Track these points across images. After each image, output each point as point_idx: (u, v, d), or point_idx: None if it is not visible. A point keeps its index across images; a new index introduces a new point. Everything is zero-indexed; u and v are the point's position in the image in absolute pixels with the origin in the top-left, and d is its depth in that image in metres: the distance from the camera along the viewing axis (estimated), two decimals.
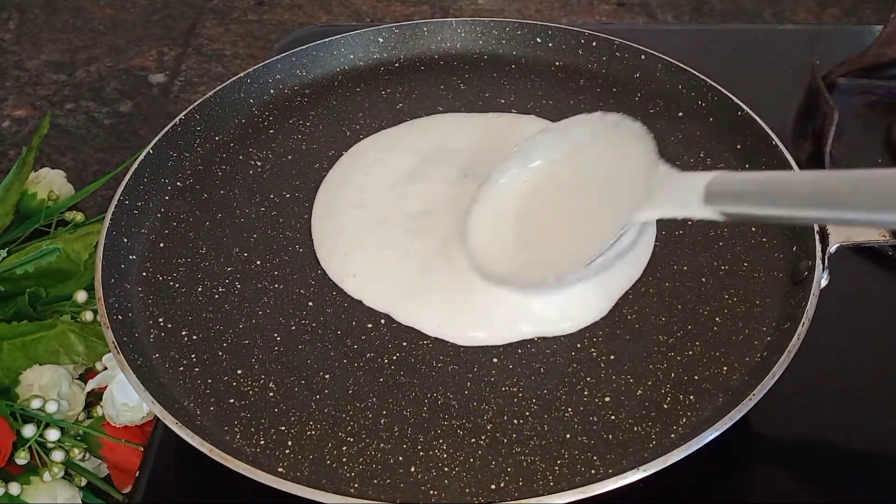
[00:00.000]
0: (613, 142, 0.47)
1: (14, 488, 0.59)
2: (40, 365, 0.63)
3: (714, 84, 0.58)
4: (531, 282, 0.46)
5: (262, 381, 0.46)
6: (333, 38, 0.65)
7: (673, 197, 0.41)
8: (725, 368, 0.45)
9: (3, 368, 0.63)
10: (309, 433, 0.43)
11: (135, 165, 0.55)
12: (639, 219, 0.43)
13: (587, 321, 0.48)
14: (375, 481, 0.41)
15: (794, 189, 0.38)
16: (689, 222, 0.52)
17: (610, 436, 0.43)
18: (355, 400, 0.45)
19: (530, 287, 0.47)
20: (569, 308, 0.48)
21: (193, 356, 0.47)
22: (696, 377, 0.45)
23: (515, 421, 0.44)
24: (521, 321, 0.47)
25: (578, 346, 0.47)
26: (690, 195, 0.40)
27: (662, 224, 0.52)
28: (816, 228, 0.48)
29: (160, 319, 0.49)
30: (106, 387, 0.60)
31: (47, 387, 0.62)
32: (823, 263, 0.47)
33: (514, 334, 0.47)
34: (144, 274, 0.51)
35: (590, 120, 0.48)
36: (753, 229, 0.52)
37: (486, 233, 0.49)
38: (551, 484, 0.41)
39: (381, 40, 0.67)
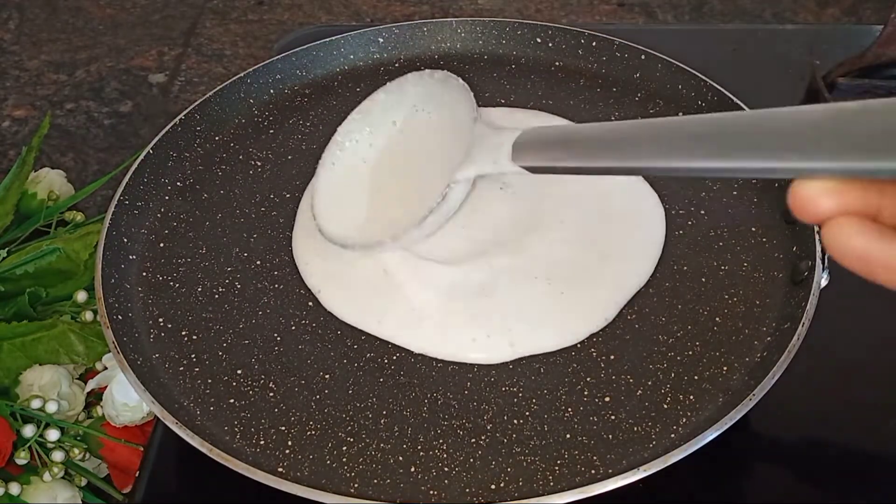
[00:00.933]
0: (444, 101, 0.49)
1: (14, 488, 0.59)
2: (40, 365, 0.63)
3: (714, 84, 0.58)
4: (371, 243, 0.48)
5: (262, 381, 0.46)
6: (333, 38, 0.65)
7: (486, 155, 0.44)
8: (725, 368, 0.45)
9: (3, 368, 0.63)
10: (309, 433, 0.43)
11: (135, 165, 0.55)
12: (459, 177, 0.45)
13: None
14: (375, 481, 0.41)
15: (595, 137, 0.38)
16: (690, 222, 0.52)
17: (610, 436, 0.43)
18: (355, 400, 0.45)
19: (371, 248, 0.49)
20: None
21: (193, 356, 0.47)
22: (696, 377, 0.45)
23: (515, 421, 0.44)
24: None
25: (578, 346, 0.47)
26: (501, 152, 0.43)
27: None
28: (817, 228, 0.48)
29: (160, 319, 0.49)
30: (106, 387, 0.60)
31: (47, 387, 0.62)
32: (823, 263, 0.47)
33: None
34: (144, 274, 0.51)
35: (421, 80, 0.51)
36: (753, 229, 0.52)
37: (334, 197, 0.51)
38: (551, 484, 0.41)
39: (381, 40, 0.67)
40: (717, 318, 0.47)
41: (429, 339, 0.47)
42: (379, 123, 0.52)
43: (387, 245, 0.48)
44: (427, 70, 0.51)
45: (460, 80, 0.49)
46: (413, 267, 0.49)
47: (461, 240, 0.50)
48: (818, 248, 0.47)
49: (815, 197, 0.27)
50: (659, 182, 0.54)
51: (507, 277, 0.48)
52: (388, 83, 0.53)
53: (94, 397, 0.64)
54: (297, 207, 0.55)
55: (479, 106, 0.61)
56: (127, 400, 0.59)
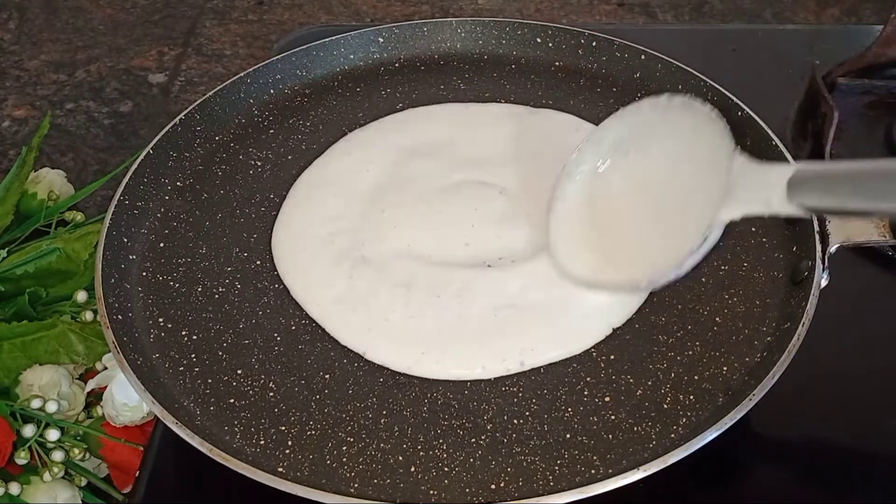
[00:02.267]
0: (685, 128, 0.45)
1: (14, 488, 0.59)
2: (40, 365, 0.63)
3: (714, 84, 0.58)
4: (622, 285, 0.45)
5: (262, 381, 0.46)
6: (333, 38, 0.65)
7: (756, 193, 0.40)
8: (725, 368, 0.45)
9: (3, 368, 0.63)
10: (309, 433, 0.43)
11: (135, 165, 0.55)
12: (723, 218, 0.42)
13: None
14: (375, 481, 0.41)
15: (884, 177, 0.36)
16: None
17: (610, 436, 0.43)
18: (355, 400, 0.45)
19: (621, 290, 0.46)
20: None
21: (193, 356, 0.47)
22: (696, 377, 0.45)
23: (515, 421, 0.44)
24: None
25: None
26: (773, 191, 0.39)
27: None
28: (817, 228, 0.48)
29: (160, 319, 0.49)
30: (106, 387, 0.60)
31: (47, 387, 0.62)
32: (823, 263, 0.47)
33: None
34: (144, 274, 0.51)
35: (658, 104, 0.47)
36: (753, 229, 0.52)
37: (567, 233, 0.48)
38: (551, 484, 0.41)
39: (381, 40, 0.67)
40: (717, 318, 0.47)
41: (445, 370, 0.46)
42: (610, 153, 0.49)
43: (641, 287, 0.45)
44: (665, 95, 0.48)
45: (708, 105, 0.45)
46: (424, 292, 0.48)
47: (467, 261, 0.50)
48: (818, 248, 0.47)
49: None
50: None
51: (519, 296, 0.48)
52: (619, 109, 0.50)
53: (94, 397, 0.64)
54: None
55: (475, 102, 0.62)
56: (127, 400, 0.59)
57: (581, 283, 0.47)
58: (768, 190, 0.39)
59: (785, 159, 0.52)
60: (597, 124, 0.59)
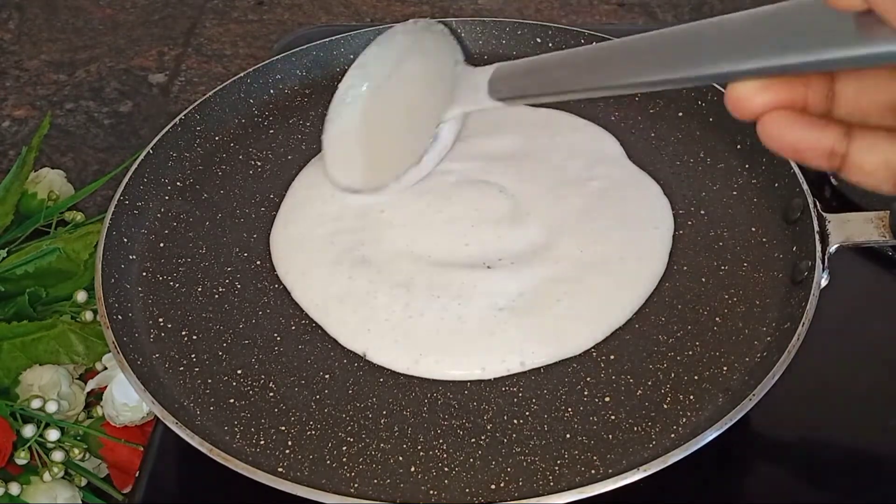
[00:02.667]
0: (429, 48, 0.52)
1: (14, 488, 0.59)
2: (40, 365, 0.63)
3: (714, 84, 0.58)
4: (377, 186, 0.51)
5: (262, 381, 0.46)
6: (333, 38, 0.65)
7: (467, 94, 0.47)
8: (725, 368, 0.45)
9: (3, 368, 0.63)
10: (309, 433, 0.43)
11: (135, 165, 0.55)
12: (445, 117, 0.48)
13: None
14: (375, 481, 0.41)
15: (558, 64, 0.41)
16: (690, 222, 0.52)
17: (610, 436, 0.43)
18: (355, 400, 0.45)
19: (378, 190, 0.52)
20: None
21: (193, 356, 0.47)
22: (696, 377, 0.45)
23: (515, 421, 0.44)
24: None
25: None
26: (480, 90, 0.45)
27: None
28: (817, 228, 0.48)
29: (160, 319, 0.49)
30: (106, 387, 0.60)
31: (47, 387, 0.61)
32: (823, 263, 0.47)
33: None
34: (144, 274, 0.51)
35: (407, 28, 0.54)
36: (753, 229, 0.52)
37: (340, 151, 0.54)
38: (551, 484, 0.41)
39: None
40: (717, 318, 0.47)
41: (446, 370, 0.46)
42: (374, 76, 0.55)
43: (391, 186, 0.51)
44: (412, 19, 0.54)
45: (442, 25, 0.52)
46: (426, 291, 0.48)
47: (467, 261, 0.50)
48: (818, 248, 0.47)
49: (748, 96, 0.30)
50: (660, 181, 0.55)
51: (518, 297, 0.48)
52: (378, 36, 0.56)
53: (94, 397, 0.64)
54: None
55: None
56: (127, 400, 0.59)
57: (351, 192, 0.53)
58: (476, 89, 0.45)
59: (785, 159, 0.52)
60: (598, 124, 0.59)
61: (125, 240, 0.52)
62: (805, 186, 0.50)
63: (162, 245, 0.53)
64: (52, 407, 0.61)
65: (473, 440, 0.43)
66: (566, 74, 0.40)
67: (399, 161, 0.51)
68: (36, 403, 0.60)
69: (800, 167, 0.53)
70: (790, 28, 0.29)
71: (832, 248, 0.47)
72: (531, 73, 0.43)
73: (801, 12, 0.28)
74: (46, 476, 0.60)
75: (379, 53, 0.55)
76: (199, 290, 0.50)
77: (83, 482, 0.63)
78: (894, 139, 0.29)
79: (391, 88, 0.54)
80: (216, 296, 0.50)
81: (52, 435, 0.60)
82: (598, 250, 0.50)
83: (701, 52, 0.32)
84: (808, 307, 0.45)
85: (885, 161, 0.29)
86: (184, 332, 0.48)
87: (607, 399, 0.44)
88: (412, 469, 0.42)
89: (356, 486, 0.41)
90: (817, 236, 0.48)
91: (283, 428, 0.44)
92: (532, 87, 0.43)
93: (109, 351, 0.46)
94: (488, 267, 0.49)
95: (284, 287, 0.50)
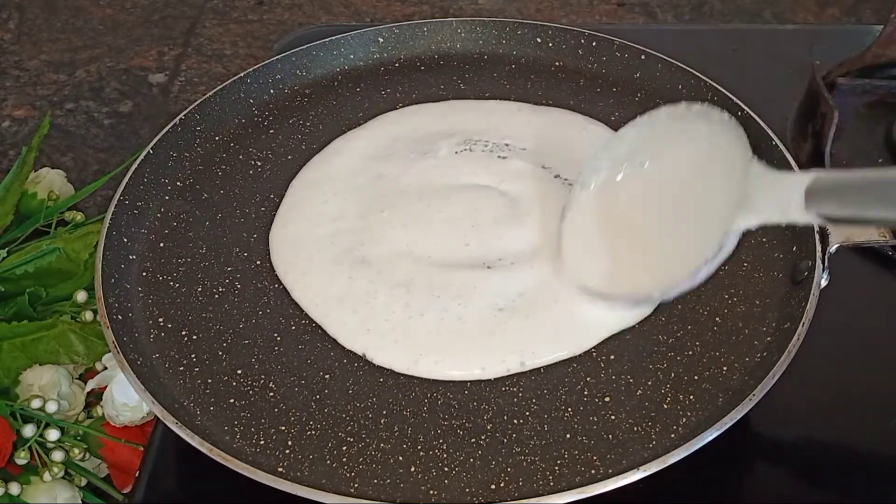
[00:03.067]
0: (701, 136, 0.45)
1: (14, 488, 0.59)
2: (40, 365, 0.63)
3: (714, 84, 0.58)
4: (635, 297, 0.45)
5: (262, 381, 0.46)
6: (333, 38, 0.65)
7: (773, 201, 0.40)
8: (725, 368, 0.45)
9: (3, 368, 0.63)
10: (309, 433, 0.43)
11: (135, 165, 0.55)
12: (739, 227, 0.41)
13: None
14: (375, 481, 0.41)
15: None
16: None
17: (610, 436, 0.43)
18: (355, 400, 0.45)
19: (634, 302, 0.46)
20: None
21: (193, 356, 0.47)
22: (696, 377, 0.45)
23: (515, 421, 0.44)
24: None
25: None
26: (790, 199, 0.38)
27: None
28: (816, 228, 0.48)
29: (160, 319, 0.49)
30: (106, 387, 0.60)
31: (47, 387, 0.61)
32: (823, 263, 0.47)
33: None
34: (144, 274, 0.51)
35: (676, 113, 0.47)
36: (753, 229, 0.51)
37: (580, 242, 0.47)
38: (551, 484, 0.41)
39: (381, 40, 0.67)
40: (717, 318, 0.47)
41: (446, 370, 0.46)
42: (625, 161, 0.48)
43: (655, 298, 0.45)
44: (683, 103, 0.47)
45: (726, 113, 0.44)
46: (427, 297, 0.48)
47: (467, 261, 0.50)
48: (818, 248, 0.47)
49: None
50: None
51: (518, 297, 0.48)
52: (637, 117, 0.49)
53: (94, 397, 0.64)
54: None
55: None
56: (127, 400, 0.59)
57: (594, 296, 0.47)
58: (785, 198, 0.39)
59: (785, 159, 0.52)
60: (599, 124, 0.59)
61: (125, 240, 0.52)
62: None
63: (162, 245, 0.53)
64: (52, 407, 0.61)
65: (473, 440, 0.43)
66: None
67: (661, 265, 0.44)
68: (36, 403, 0.60)
69: (799, 167, 0.53)
70: None
71: (832, 248, 0.47)
72: (867, 190, 0.37)
73: None
74: (46, 476, 0.60)
75: (636, 136, 0.48)
76: (199, 290, 0.50)
77: (83, 482, 0.63)
78: None
79: (643, 176, 0.47)
80: (216, 296, 0.50)
81: (52, 435, 0.60)
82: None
83: None
84: (808, 307, 0.45)
85: None
86: (184, 332, 0.48)
87: (607, 399, 0.44)
88: (412, 469, 0.42)
89: (356, 486, 0.41)
90: (817, 236, 0.48)
91: (283, 428, 0.44)
92: (871, 210, 0.36)
93: (109, 351, 0.46)
94: (488, 267, 0.49)
95: (284, 287, 0.50)
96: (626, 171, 0.48)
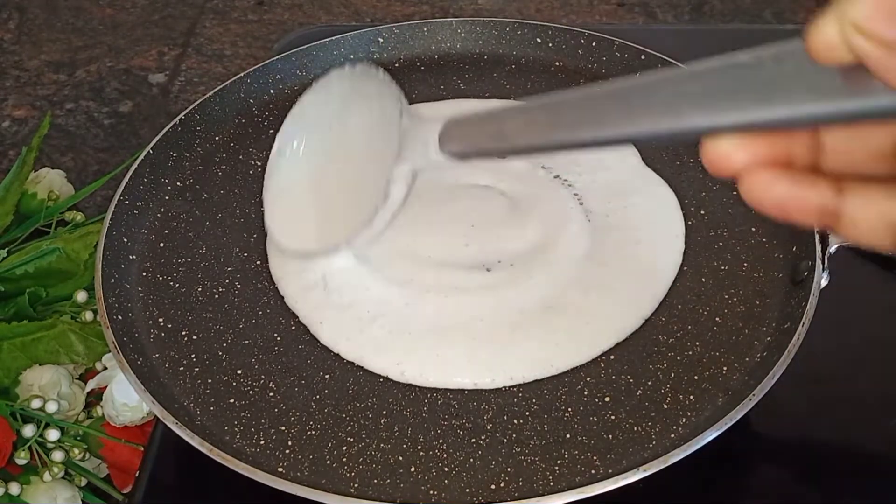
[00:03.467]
0: (370, 96, 0.47)
1: (14, 488, 0.59)
2: (40, 365, 0.63)
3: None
4: (326, 250, 0.47)
5: (262, 381, 0.46)
6: (333, 38, 0.65)
7: (416, 150, 0.43)
8: (725, 368, 0.45)
9: (3, 368, 0.62)
10: (309, 433, 0.43)
11: (135, 165, 0.55)
12: (396, 175, 0.44)
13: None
14: (375, 481, 0.41)
15: (512, 117, 0.37)
16: (690, 222, 0.52)
17: (610, 436, 0.43)
18: (355, 400, 0.45)
19: (328, 254, 0.47)
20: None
21: (193, 356, 0.47)
22: (696, 377, 0.45)
23: (515, 421, 0.44)
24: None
25: None
26: (429, 144, 0.41)
27: None
28: (816, 228, 0.48)
29: (160, 319, 0.49)
30: (106, 387, 0.60)
31: (47, 387, 0.61)
32: (823, 263, 0.47)
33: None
34: (144, 274, 0.51)
35: (344, 74, 0.49)
36: (753, 229, 0.52)
37: (282, 209, 0.49)
38: (551, 484, 0.41)
39: (381, 40, 0.67)
40: (717, 318, 0.47)
41: (438, 381, 0.46)
42: (314, 126, 0.50)
43: (342, 248, 0.47)
44: (348, 64, 0.49)
45: (381, 70, 0.47)
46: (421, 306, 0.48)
47: (466, 262, 0.50)
48: (818, 248, 0.47)
49: (726, 154, 0.28)
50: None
51: (518, 298, 0.48)
52: (313, 83, 0.50)
53: (94, 397, 0.64)
54: None
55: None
56: (127, 400, 0.59)
57: (295, 256, 0.48)
58: (426, 144, 0.42)
59: None
60: None
61: (125, 240, 0.52)
62: None
63: (162, 245, 0.53)
64: (52, 407, 0.61)
65: (473, 440, 0.43)
66: (523, 128, 0.36)
67: (349, 219, 0.46)
68: (36, 403, 0.60)
69: None
70: (772, 79, 0.25)
71: (832, 248, 0.47)
72: (483, 127, 0.39)
73: (783, 61, 0.25)
74: (46, 476, 0.60)
75: (316, 101, 0.50)
76: (199, 290, 0.50)
77: (83, 482, 0.63)
78: (890, 191, 0.26)
79: (333, 139, 0.49)
80: (216, 296, 0.50)
81: (52, 435, 0.60)
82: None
83: (672, 105, 0.29)
84: (808, 307, 0.45)
85: (882, 215, 0.26)
86: (184, 332, 0.48)
87: (607, 399, 0.44)
88: (412, 469, 0.42)
89: (356, 486, 0.41)
90: (817, 236, 0.48)
91: (283, 428, 0.44)
92: (485, 142, 0.39)
93: (109, 351, 0.46)
94: (487, 269, 0.49)
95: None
96: (315, 136, 0.50)
